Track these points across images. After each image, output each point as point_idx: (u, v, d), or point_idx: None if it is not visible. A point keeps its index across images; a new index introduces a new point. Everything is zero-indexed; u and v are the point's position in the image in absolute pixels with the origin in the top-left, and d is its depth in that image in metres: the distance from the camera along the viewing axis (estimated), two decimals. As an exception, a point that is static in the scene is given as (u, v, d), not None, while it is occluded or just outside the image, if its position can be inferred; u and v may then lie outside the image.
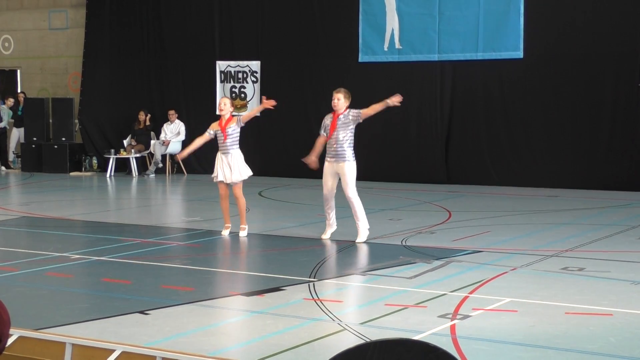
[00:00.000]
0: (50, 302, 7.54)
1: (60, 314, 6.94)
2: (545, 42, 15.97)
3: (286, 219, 12.31)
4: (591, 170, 15.70)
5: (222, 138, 10.59)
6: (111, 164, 19.20)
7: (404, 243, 10.15)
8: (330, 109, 10.41)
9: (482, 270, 8.49)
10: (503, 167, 16.55)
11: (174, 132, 19.28)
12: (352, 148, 10.23)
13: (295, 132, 17.92)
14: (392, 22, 17.17)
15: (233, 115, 10.72)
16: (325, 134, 10.30)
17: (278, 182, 17.32)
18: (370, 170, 15.34)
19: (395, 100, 10.06)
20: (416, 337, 5.96)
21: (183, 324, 6.60)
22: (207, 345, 6.02)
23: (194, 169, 19.31)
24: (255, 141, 17.73)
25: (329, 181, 10.32)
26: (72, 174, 19.74)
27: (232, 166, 10.59)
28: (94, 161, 20.25)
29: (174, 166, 19.45)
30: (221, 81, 19.11)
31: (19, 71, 22.35)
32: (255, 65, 18.74)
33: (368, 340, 5.19)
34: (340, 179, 10.27)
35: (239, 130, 10.71)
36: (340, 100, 10.18)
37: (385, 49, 17.27)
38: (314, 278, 8.23)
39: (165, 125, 19.38)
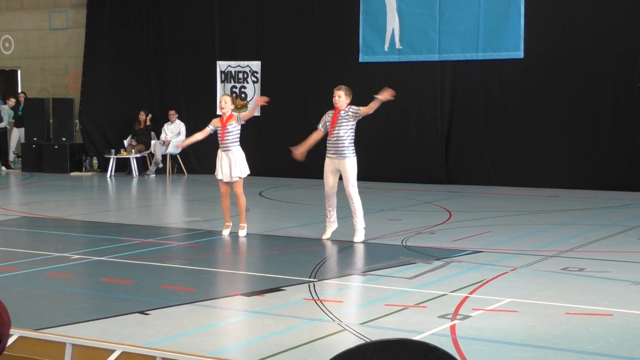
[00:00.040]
0: (50, 302, 7.55)
1: (61, 314, 6.94)
2: (545, 42, 15.97)
3: (286, 219, 12.31)
4: (591, 170, 15.70)
5: (221, 136, 10.62)
6: (111, 164, 19.21)
7: (404, 243, 10.15)
8: (330, 109, 10.43)
9: (482, 271, 8.49)
10: (503, 167, 16.55)
11: (174, 132, 19.29)
12: (353, 145, 10.25)
13: (295, 132, 17.79)
14: (393, 22, 17.18)
15: (233, 113, 10.73)
16: (323, 130, 10.33)
17: (278, 182, 17.32)
18: (370, 171, 15.33)
19: (386, 94, 10.02)
20: (416, 338, 5.96)
21: (183, 324, 6.61)
22: (208, 345, 6.03)
23: (195, 169, 19.31)
24: (255, 141, 17.74)
25: (330, 178, 10.33)
26: (72, 174, 19.75)
27: (233, 163, 10.60)
28: (95, 161, 20.25)
29: (174, 166, 19.45)
30: (221, 81, 19.12)
31: (19, 71, 22.36)
32: (256, 65, 18.74)
33: (368, 340, 5.19)
34: (341, 176, 10.29)
35: (239, 127, 10.73)
36: (341, 97, 10.20)
37: (386, 49, 17.27)
38: (314, 278, 8.23)
39: (165, 125, 19.38)
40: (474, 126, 16.79)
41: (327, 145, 10.34)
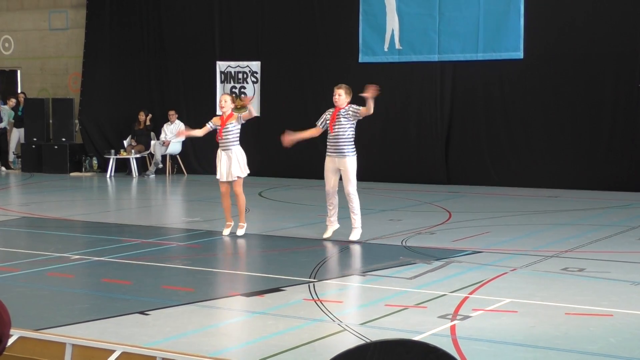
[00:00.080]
0: (50, 302, 7.55)
1: (61, 314, 6.94)
2: (545, 42, 15.97)
3: (286, 220, 12.31)
4: (591, 170, 15.69)
5: (218, 134, 10.64)
6: (111, 164, 19.20)
7: (404, 243, 10.15)
8: (330, 108, 10.43)
9: (482, 271, 8.49)
10: (503, 167, 16.55)
11: (174, 132, 19.27)
12: (354, 143, 10.26)
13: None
14: (392, 23, 17.17)
15: (234, 112, 10.73)
16: (321, 127, 10.35)
17: (278, 182, 17.32)
18: (370, 171, 15.33)
19: (371, 92, 10.00)
20: (416, 338, 5.96)
21: (183, 324, 6.61)
22: (208, 345, 6.02)
23: (194, 170, 19.31)
24: (255, 141, 17.72)
25: (330, 178, 10.34)
26: (72, 174, 19.74)
27: (232, 162, 10.60)
28: (94, 161, 20.24)
29: (174, 167, 19.45)
30: (221, 81, 19.12)
31: (19, 71, 22.35)
32: (256, 65, 18.74)
33: (368, 340, 5.19)
34: (341, 175, 10.29)
35: (239, 127, 10.74)
36: (341, 96, 10.22)
37: (386, 49, 17.27)
38: (314, 278, 8.23)
39: (165, 125, 19.38)
40: (474, 126, 16.79)
41: (328, 144, 10.34)
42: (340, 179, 10.35)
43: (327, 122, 10.28)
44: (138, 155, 19.43)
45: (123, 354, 4.23)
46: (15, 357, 4.29)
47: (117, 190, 17.49)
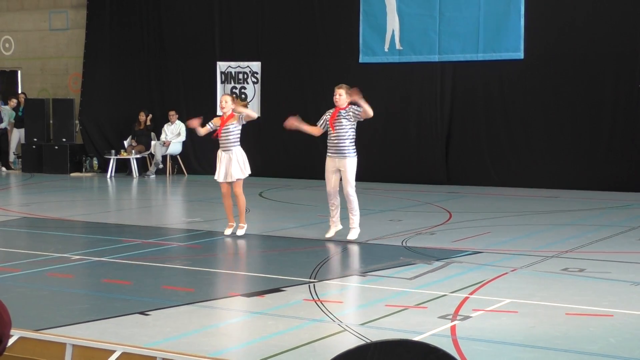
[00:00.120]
0: (50, 302, 7.55)
1: (61, 314, 6.95)
2: (545, 43, 15.97)
3: (286, 220, 12.31)
4: (591, 170, 15.69)
5: (217, 134, 10.65)
6: (112, 164, 19.21)
7: (404, 244, 10.15)
8: (331, 108, 10.43)
9: (483, 271, 8.50)
10: (503, 167, 16.55)
11: (174, 132, 19.29)
12: (354, 144, 10.26)
13: (295, 133, 17.79)
14: (393, 23, 17.18)
15: (234, 113, 10.73)
16: (322, 128, 10.36)
17: (278, 183, 17.32)
18: (370, 171, 15.34)
19: (354, 95, 10.01)
20: (416, 338, 5.96)
21: (183, 324, 6.61)
22: (208, 346, 6.03)
23: (195, 170, 19.32)
24: (256, 141, 17.72)
25: (331, 178, 10.34)
26: (72, 174, 19.75)
27: (233, 163, 10.60)
28: (95, 162, 20.24)
29: (174, 167, 19.46)
30: (222, 82, 19.12)
31: (19, 72, 22.36)
32: (256, 66, 18.74)
33: (368, 341, 5.20)
34: (340, 175, 10.29)
35: (240, 127, 10.73)
36: (342, 96, 10.21)
37: (386, 49, 17.27)
38: (315, 279, 8.24)
39: (165, 126, 19.38)
40: (474, 126, 16.79)
41: (328, 144, 10.35)
42: (340, 179, 10.35)
43: (327, 122, 10.28)
44: (138, 156, 19.43)
45: (123, 354, 4.23)
46: (15, 358, 4.30)
47: (117, 190, 17.49)
